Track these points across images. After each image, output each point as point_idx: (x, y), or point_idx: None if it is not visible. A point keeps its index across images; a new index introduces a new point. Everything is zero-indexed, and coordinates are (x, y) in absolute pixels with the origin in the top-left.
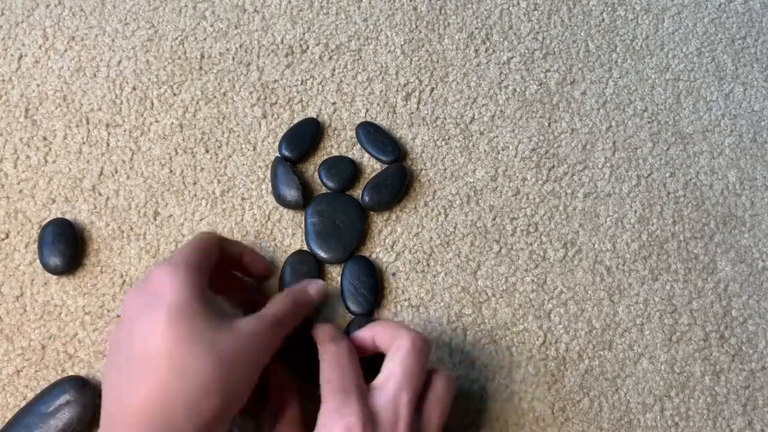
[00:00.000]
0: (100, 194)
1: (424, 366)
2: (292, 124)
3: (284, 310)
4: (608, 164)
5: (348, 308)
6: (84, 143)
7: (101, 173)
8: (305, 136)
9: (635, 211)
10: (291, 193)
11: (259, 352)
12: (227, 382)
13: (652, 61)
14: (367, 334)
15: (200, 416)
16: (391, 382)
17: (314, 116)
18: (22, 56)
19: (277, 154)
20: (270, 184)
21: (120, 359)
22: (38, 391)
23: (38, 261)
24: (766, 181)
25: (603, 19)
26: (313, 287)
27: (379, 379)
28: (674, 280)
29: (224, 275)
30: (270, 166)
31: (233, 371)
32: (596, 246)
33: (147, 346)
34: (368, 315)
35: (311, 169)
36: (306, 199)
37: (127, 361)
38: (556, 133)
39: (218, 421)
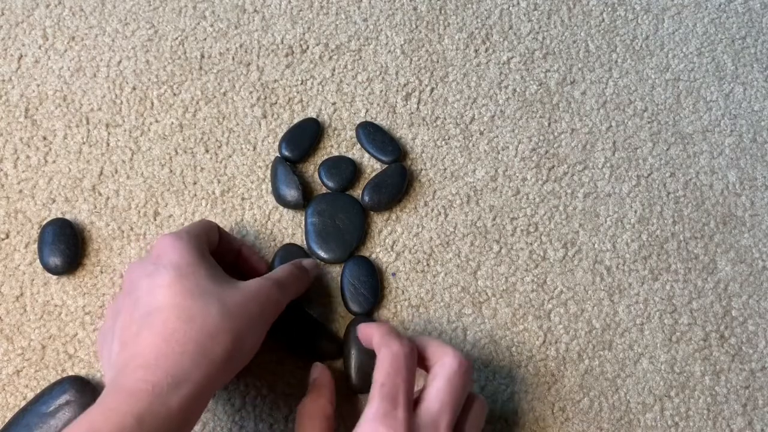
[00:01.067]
0: (100, 194)
1: (467, 388)
2: (292, 124)
3: (288, 275)
4: (608, 164)
5: (348, 308)
6: (84, 143)
7: (101, 173)
8: (305, 136)
9: (635, 211)
10: (291, 193)
11: (264, 307)
12: (234, 331)
13: (652, 61)
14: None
15: (209, 360)
16: (436, 400)
17: (314, 116)
18: (22, 56)
19: (277, 154)
20: (269, 183)
21: (124, 319)
22: (38, 391)
23: (38, 261)
24: (766, 181)
25: (603, 19)
26: (306, 261)
27: (426, 395)
28: (674, 280)
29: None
30: (269, 165)
31: (239, 321)
32: (596, 246)
33: (153, 300)
34: (368, 315)
35: (311, 169)
36: (306, 199)
37: (132, 317)
38: (556, 133)
39: (226, 370)
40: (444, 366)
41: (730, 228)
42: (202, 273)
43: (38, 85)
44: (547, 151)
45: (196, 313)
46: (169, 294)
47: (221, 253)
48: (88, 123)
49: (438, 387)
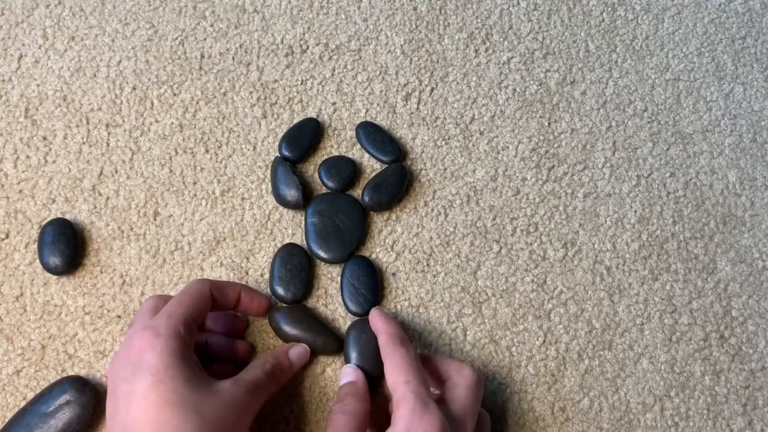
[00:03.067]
0: (100, 194)
1: (480, 401)
2: (292, 124)
3: (262, 379)
4: (608, 164)
5: (348, 308)
6: (84, 143)
7: (101, 173)
8: (305, 136)
9: (635, 211)
10: (291, 193)
11: (241, 416)
12: None
13: (652, 61)
14: (426, 360)
15: None
16: (461, 404)
17: (314, 116)
18: (22, 56)
19: (277, 154)
20: (269, 183)
21: (108, 425)
22: (38, 391)
23: (38, 261)
24: (766, 181)
25: (603, 19)
26: (294, 352)
27: (450, 399)
28: (674, 280)
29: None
30: (269, 165)
31: None
32: (596, 246)
33: (129, 414)
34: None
35: (311, 169)
36: (306, 199)
37: (113, 428)
38: (556, 133)
39: None
40: (465, 377)
41: (730, 228)
42: (180, 377)
43: (38, 85)
44: (547, 151)
45: (173, 427)
46: (145, 406)
47: (220, 306)
48: (88, 123)
49: (462, 393)
